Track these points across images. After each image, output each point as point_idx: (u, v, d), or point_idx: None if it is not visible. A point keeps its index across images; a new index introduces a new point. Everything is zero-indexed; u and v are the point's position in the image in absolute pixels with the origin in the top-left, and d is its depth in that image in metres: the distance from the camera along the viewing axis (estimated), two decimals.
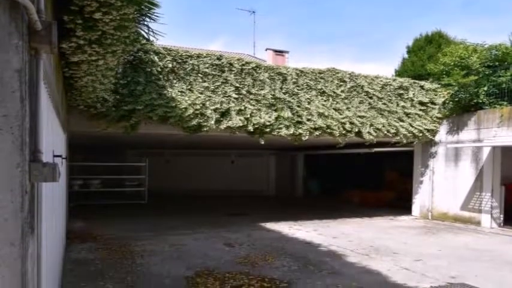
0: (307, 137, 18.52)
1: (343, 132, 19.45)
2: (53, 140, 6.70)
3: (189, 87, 16.97)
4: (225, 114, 17.11)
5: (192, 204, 28.12)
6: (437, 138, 22.56)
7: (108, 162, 26.71)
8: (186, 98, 16.53)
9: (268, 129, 17.79)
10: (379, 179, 31.68)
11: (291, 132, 18.17)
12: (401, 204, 26.32)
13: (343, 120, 19.58)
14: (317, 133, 18.80)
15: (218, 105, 17.05)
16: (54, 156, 6.35)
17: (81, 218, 20.27)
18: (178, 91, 16.66)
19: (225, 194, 32.79)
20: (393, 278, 11.08)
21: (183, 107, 16.21)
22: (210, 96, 17.15)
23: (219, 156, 34.31)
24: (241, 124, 17.11)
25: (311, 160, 35.64)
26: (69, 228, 16.95)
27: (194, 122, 16.32)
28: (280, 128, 17.97)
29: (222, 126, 16.94)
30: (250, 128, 17.36)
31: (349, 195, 30.31)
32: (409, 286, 10.42)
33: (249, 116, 17.43)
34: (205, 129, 16.62)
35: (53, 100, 6.98)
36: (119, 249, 13.92)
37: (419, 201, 23.62)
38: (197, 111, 16.45)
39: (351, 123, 19.76)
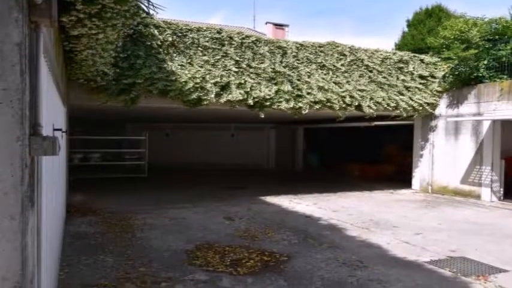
0: (307, 111, 18.49)
1: (343, 105, 19.41)
2: (53, 114, 6.66)
3: (189, 60, 16.87)
4: (225, 87, 17.06)
5: (192, 177, 28.16)
6: (437, 111, 22.52)
7: (108, 136, 26.63)
8: (186, 72, 16.45)
9: (268, 103, 17.76)
10: (378, 153, 31.66)
11: (291, 106, 18.14)
12: (401, 177, 26.26)
13: (343, 94, 19.51)
14: (317, 107, 18.76)
15: (218, 79, 16.98)
16: (54, 129, 6.32)
17: (81, 191, 20.23)
18: (178, 65, 16.56)
19: (225, 167, 32.78)
20: (393, 252, 11.11)
21: (183, 80, 16.15)
22: (210, 70, 17.06)
23: (219, 130, 34.23)
24: (241, 98, 17.07)
25: (311, 134, 35.69)
26: (69, 201, 16.95)
27: (194, 96, 16.27)
28: (280, 102, 17.94)
29: (222, 100, 16.91)
30: (250, 102, 17.32)
31: (349, 168, 30.33)
32: (409, 260, 10.44)
33: (249, 89, 17.37)
34: (205, 102, 16.59)
35: (53, 74, 6.94)
36: (118, 223, 13.93)
37: (419, 174, 23.64)
38: (197, 85, 16.39)
39: (351, 96, 19.70)
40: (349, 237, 12.68)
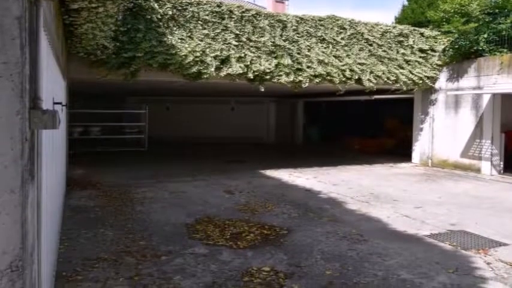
0: (307, 84, 18.45)
1: (343, 79, 19.35)
2: (52, 87, 6.64)
3: (189, 34, 16.81)
4: (225, 61, 17.01)
5: (192, 151, 28.22)
6: (437, 85, 22.43)
7: (109, 110, 26.59)
8: (186, 45, 16.39)
9: (268, 77, 17.72)
10: (378, 127, 31.52)
11: (291, 80, 18.09)
12: (401, 151, 26.28)
13: (343, 68, 19.43)
14: (317, 80, 18.72)
15: (218, 53, 16.92)
16: (54, 103, 6.30)
17: (81, 165, 20.28)
18: (178, 38, 16.50)
19: (225, 141, 32.77)
20: (393, 225, 11.15)
21: (183, 54, 16.10)
22: (210, 44, 17.00)
23: (219, 103, 34.16)
24: (241, 71, 17.03)
25: (311, 107, 35.62)
26: (69, 175, 16.96)
27: (194, 69, 16.23)
28: (280, 75, 17.89)
29: (222, 74, 16.88)
30: (250, 75, 17.28)
31: (349, 142, 30.22)
32: (409, 233, 10.48)
33: (249, 63, 17.33)
34: (205, 76, 16.54)
35: (53, 47, 6.91)
36: (118, 197, 13.98)
37: (420, 148, 23.64)
38: (197, 59, 16.35)
39: (351, 70, 19.61)
40: (349, 210, 12.72)
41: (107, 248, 9.02)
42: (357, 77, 19.71)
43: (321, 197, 14.69)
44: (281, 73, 17.91)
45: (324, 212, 12.43)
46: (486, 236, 10.34)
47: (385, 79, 20.56)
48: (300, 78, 18.32)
